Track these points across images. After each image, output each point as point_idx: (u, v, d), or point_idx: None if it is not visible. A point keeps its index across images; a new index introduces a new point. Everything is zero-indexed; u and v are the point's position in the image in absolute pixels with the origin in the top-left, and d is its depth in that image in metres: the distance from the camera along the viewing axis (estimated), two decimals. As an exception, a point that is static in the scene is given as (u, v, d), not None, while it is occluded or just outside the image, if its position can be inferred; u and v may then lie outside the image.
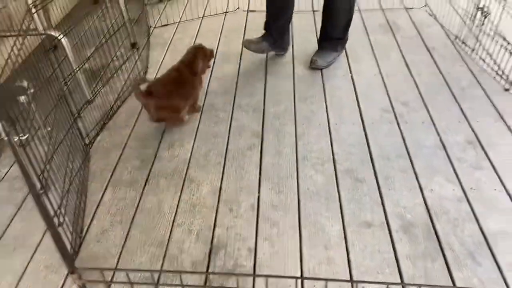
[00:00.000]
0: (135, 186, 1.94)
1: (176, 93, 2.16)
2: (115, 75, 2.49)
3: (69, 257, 1.12)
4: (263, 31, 2.71)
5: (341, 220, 1.74)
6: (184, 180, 1.95)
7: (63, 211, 1.61)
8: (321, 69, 2.64)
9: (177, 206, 1.83)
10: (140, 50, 2.75)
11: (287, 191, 1.87)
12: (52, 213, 1.49)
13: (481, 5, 2.56)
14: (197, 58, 2.25)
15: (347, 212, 1.77)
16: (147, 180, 1.97)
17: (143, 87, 2.15)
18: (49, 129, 1.73)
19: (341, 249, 1.63)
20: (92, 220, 1.80)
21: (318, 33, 3.04)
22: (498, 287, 1.48)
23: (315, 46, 2.89)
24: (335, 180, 1.91)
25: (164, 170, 2.01)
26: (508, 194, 1.80)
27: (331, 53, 2.68)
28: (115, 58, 2.55)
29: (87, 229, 1.76)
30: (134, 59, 2.64)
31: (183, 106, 2.21)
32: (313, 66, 2.63)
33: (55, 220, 1.52)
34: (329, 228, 1.70)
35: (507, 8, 2.38)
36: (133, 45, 2.80)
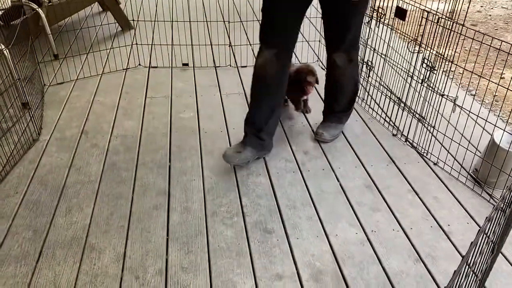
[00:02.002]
0: (26, 260, 1.74)
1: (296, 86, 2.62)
2: (3, 138, 2.29)
3: None
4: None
5: (252, 275, 1.71)
6: (83, 249, 1.81)
7: None
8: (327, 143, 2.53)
9: (76, 278, 1.68)
10: (33, 110, 2.58)
11: (196, 250, 1.81)
12: None
13: (366, 59, 2.82)
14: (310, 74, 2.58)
15: (258, 266, 1.75)
16: (40, 252, 1.79)
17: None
18: None
19: (254, 306, 1.59)
20: None
21: (220, 87, 3.11)
22: (404, 326, 1.54)
23: (218, 100, 2.94)
24: (245, 234, 1.90)
25: (61, 239, 1.85)
26: (405, 233, 1.92)
27: (338, 125, 2.56)
28: (3, 119, 2.36)
29: None
30: (26, 120, 2.47)
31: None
32: (319, 138, 2.51)
33: None
34: (242, 285, 1.67)
35: (388, 61, 2.66)
36: (25, 105, 2.62)
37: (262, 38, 2.18)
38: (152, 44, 3.70)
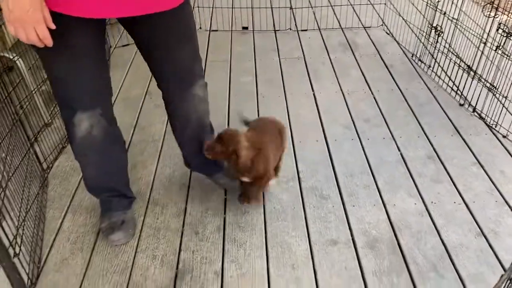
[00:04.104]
0: (96, 211, 1.87)
1: None
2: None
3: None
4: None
5: (307, 238, 1.74)
6: (147, 203, 1.91)
7: (19, 240, 1.54)
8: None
9: (141, 230, 1.79)
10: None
11: (253, 211, 1.86)
12: (7, 243, 1.42)
13: (434, 24, 2.67)
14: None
15: (313, 231, 1.77)
16: (109, 204, 1.91)
17: None
18: (3, 155, 1.65)
19: (308, 268, 1.62)
20: (50, 248, 1.72)
21: (279, 52, 3.09)
22: (461, 299, 1.51)
23: (276, 65, 2.93)
24: (300, 199, 1.92)
25: (127, 194, 1.96)
26: (467, 206, 1.86)
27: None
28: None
29: (46, 258, 1.68)
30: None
31: None
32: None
33: (11, 250, 1.45)
34: (296, 247, 1.70)
35: (459, 26, 2.50)
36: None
37: None
38: (213, 7, 3.70)
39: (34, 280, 1.58)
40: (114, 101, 2.56)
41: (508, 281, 0.96)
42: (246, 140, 1.66)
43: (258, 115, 2.44)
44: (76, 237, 1.77)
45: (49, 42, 1.22)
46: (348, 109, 2.49)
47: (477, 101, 2.39)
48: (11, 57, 2.16)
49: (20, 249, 1.51)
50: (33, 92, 2.19)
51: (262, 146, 1.69)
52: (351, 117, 2.42)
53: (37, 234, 1.73)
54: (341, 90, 2.66)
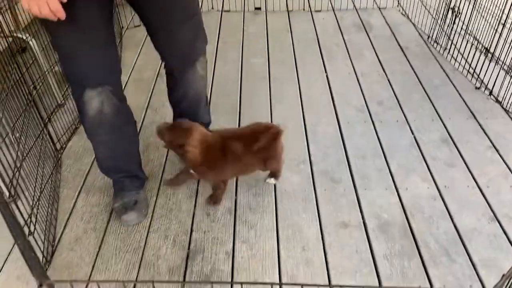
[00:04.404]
0: (109, 191, 1.89)
1: None
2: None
3: (38, 270, 1.08)
4: None
5: (318, 221, 1.74)
6: (159, 185, 1.92)
7: (33, 219, 1.56)
8: None
9: (153, 211, 1.80)
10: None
11: (264, 193, 1.86)
12: (22, 222, 1.44)
13: (452, 5, 2.61)
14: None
15: (324, 213, 1.77)
16: (121, 185, 1.93)
17: None
18: (17, 135, 1.67)
19: (318, 250, 1.63)
20: (64, 228, 1.75)
21: (292, 33, 3.05)
22: (472, 283, 1.51)
23: (289, 46, 2.90)
24: (311, 181, 1.91)
25: (139, 175, 1.97)
26: (481, 191, 1.83)
27: None
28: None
29: (60, 237, 1.71)
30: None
31: None
32: None
33: (26, 229, 1.47)
34: (307, 230, 1.70)
35: (477, 7, 2.43)
36: (105, 47, 2.73)
37: None
38: (225, -13, 3.65)
39: (49, 258, 1.61)
40: (126, 82, 2.56)
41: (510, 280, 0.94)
42: (198, 137, 1.61)
43: (270, 97, 2.43)
44: (90, 217, 1.79)
45: (62, 15, 1.24)
46: (362, 91, 2.45)
47: (494, 84, 2.34)
48: (24, 37, 2.17)
49: (35, 228, 1.54)
50: (46, 72, 2.20)
51: (216, 146, 1.63)
52: (364, 100, 2.39)
53: (51, 213, 1.75)
54: (355, 71, 2.62)
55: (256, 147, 1.67)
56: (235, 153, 1.65)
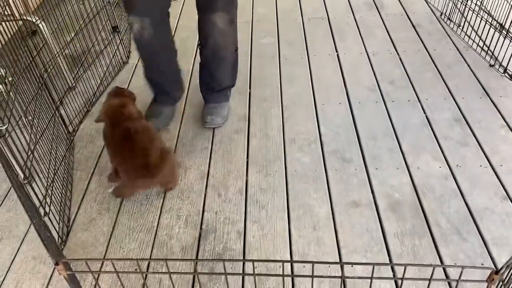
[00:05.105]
0: (121, 173, 1.91)
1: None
2: (97, 59, 2.44)
3: (53, 249, 1.10)
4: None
5: (329, 200, 1.74)
6: (171, 166, 1.94)
7: (48, 200, 1.59)
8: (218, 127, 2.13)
9: (165, 192, 1.82)
10: (122, 34, 2.69)
11: (275, 174, 1.87)
12: (37, 203, 1.47)
13: (465, -20, 2.54)
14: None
15: (335, 193, 1.77)
16: (133, 166, 1.95)
17: None
18: (30, 118, 1.69)
19: (329, 229, 1.64)
20: (78, 209, 1.78)
21: (302, 12, 3.01)
22: (484, 260, 1.51)
23: (299, 25, 2.86)
24: (322, 161, 1.91)
25: (151, 156, 1.99)
26: (493, 170, 1.82)
27: (225, 104, 2.17)
28: (96, 42, 2.49)
29: (74, 218, 1.75)
30: (116, 43, 2.59)
31: None
32: (209, 126, 2.10)
33: (41, 210, 1.50)
34: (318, 209, 1.71)
35: (492, -17, 2.37)
36: (115, 29, 2.74)
37: None
38: (233, -33, 3.60)
39: (64, 238, 1.65)
40: (136, 63, 2.56)
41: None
42: (111, 108, 1.70)
43: (280, 78, 2.41)
44: (103, 198, 1.82)
45: None
46: (373, 70, 2.43)
47: (509, 61, 2.29)
48: (34, 20, 2.17)
49: (50, 209, 1.57)
50: (57, 55, 2.21)
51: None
52: (376, 79, 2.36)
53: (65, 194, 1.78)
54: (366, 51, 2.59)
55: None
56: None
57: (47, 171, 1.68)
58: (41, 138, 1.72)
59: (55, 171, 1.75)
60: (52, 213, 1.58)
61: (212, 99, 2.16)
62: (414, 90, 2.26)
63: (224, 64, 2.09)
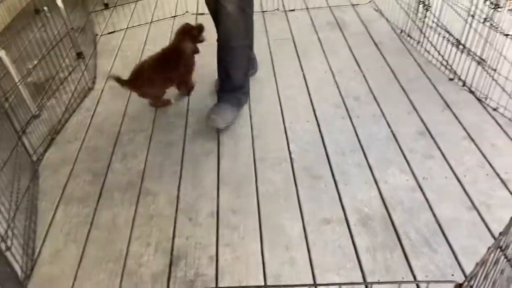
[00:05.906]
0: (88, 202, 1.86)
1: (156, 80, 2.23)
2: (61, 87, 2.40)
3: (11, 286, 1.06)
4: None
5: (301, 219, 1.74)
6: (139, 192, 1.90)
7: (10, 234, 1.53)
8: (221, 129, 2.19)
9: (133, 219, 1.78)
10: (87, 60, 2.66)
11: (246, 195, 1.86)
12: (-2, 238, 1.41)
13: (422, -1, 2.65)
14: (183, 39, 2.27)
15: (306, 211, 1.77)
16: (100, 194, 1.90)
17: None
18: (-10, 149, 1.64)
19: (302, 248, 1.63)
20: (44, 240, 1.72)
21: (267, 33, 3.05)
22: (453, 271, 1.53)
23: (265, 46, 2.90)
24: (293, 179, 1.92)
25: (118, 183, 1.95)
26: (458, 181, 1.86)
27: (235, 108, 2.22)
28: (60, 69, 2.45)
29: (39, 250, 1.68)
30: (80, 70, 2.55)
31: (162, 92, 2.33)
32: (211, 124, 2.16)
33: (2, 245, 1.44)
34: (290, 229, 1.71)
35: (447, 0, 2.47)
36: (79, 55, 2.71)
37: None
38: (198, -10, 3.64)
39: (28, 273, 1.58)
40: (102, 90, 2.53)
41: (499, 250, 0.96)
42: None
43: (249, 98, 2.43)
44: (69, 228, 1.76)
45: None
46: (338, 88, 2.47)
47: (467, 75, 2.38)
48: (-6, 49, 2.12)
49: (12, 243, 1.51)
50: (18, 83, 2.16)
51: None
52: (341, 96, 2.40)
53: (29, 226, 1.72)
54: (331, 69, 2.64)
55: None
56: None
57: (9, 203, 1.62)
58: (3, 169, 1.66)
59: (18, 202, 1.69)
60: (15, 247, 1.52)
61: (222, 98, 2.22)
62: (378, 105, 2.31)
63: (234, 55, 2.13)
